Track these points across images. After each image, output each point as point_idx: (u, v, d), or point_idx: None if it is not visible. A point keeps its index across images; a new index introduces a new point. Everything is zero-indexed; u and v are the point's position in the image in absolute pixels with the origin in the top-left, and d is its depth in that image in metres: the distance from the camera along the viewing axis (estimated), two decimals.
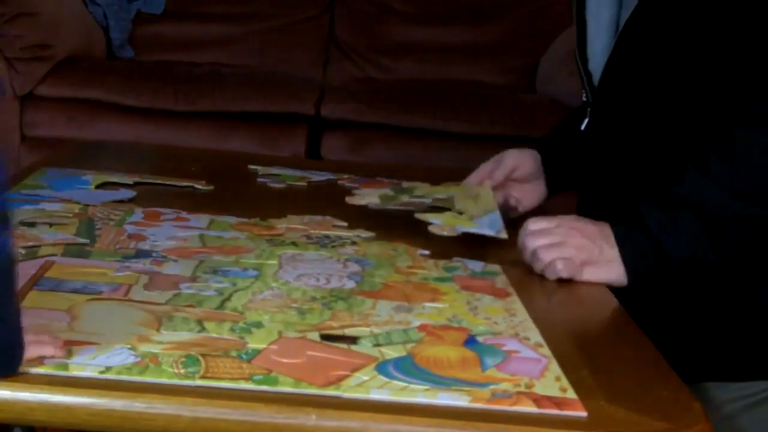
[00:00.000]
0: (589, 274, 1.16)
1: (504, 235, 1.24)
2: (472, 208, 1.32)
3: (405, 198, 1.42)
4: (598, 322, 1.09)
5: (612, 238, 1.17)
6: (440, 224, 1.27)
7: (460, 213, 1.31)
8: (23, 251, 1.11)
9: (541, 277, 1.17)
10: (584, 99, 1.40)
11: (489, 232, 1.25)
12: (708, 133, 1.18)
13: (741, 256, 1.21)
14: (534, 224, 1.20)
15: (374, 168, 1.91)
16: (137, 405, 0.78)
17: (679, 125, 1.22)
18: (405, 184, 1.52)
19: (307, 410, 0.78)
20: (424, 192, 1.44)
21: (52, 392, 0.78)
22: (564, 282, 1.17)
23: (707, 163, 1.16)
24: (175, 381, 0.81)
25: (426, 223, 1.28)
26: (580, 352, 0.93)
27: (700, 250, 1.16)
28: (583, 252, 1.16)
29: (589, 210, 1.33)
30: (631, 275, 1.16)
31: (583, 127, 1.38)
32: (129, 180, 1.48)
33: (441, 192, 1.42)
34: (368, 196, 1.46)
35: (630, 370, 0.94)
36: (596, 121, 1.35)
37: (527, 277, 1.17)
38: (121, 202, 1.36)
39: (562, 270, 1.15)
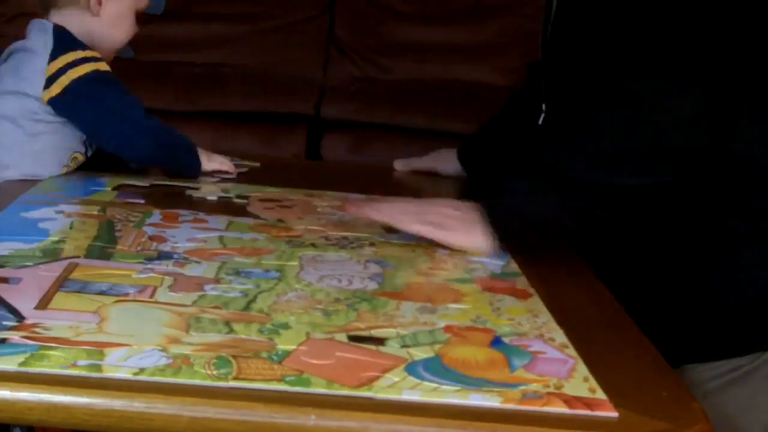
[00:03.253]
0: (454, 238, 1.20)
1: (515, 268, 1.22)
2: None
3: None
4: (597, 322, 1.09)
5: (473, 206, 1.22)
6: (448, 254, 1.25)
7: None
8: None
9: (552, 278, 1.18)
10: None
11: (498, 262, 1.23)
12: (573, 110, 1.23)
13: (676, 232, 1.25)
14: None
15: (374, 168, 1.92)
16: (136, 405, 0.78)
17: None
18: None
19: (307, 410, 0.79)
20: None
21: (52, 392, 0.79)
22: (572, 281, 1.18)
23: (567, 133, 1.21)
24: (208, 383, 0.81)
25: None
26: (579, 352, 0.94)
27: (551, 211, 1.20)
28: (442, 217, 1.21)
29: None
30: (497, 236, 1.20)
31: (540, 121, 1.41)
32: (145, 182, 1.48)
33: None
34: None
35: (630, 370, 0.94)
36: (551, 115, 1.38)
37: (546, 278, 1.17)
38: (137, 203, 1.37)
39: (421, 229, 1.20)
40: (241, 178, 1.58)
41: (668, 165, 1.17)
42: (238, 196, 1.45)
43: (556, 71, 1.35)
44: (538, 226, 1.21)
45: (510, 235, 1.21)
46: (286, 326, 0.94)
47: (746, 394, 1.24)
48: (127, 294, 1.00)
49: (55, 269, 1.05)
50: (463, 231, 1.20)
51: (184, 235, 1.22)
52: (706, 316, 1.27)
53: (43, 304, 0.95)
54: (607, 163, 1.18)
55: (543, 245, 1.23)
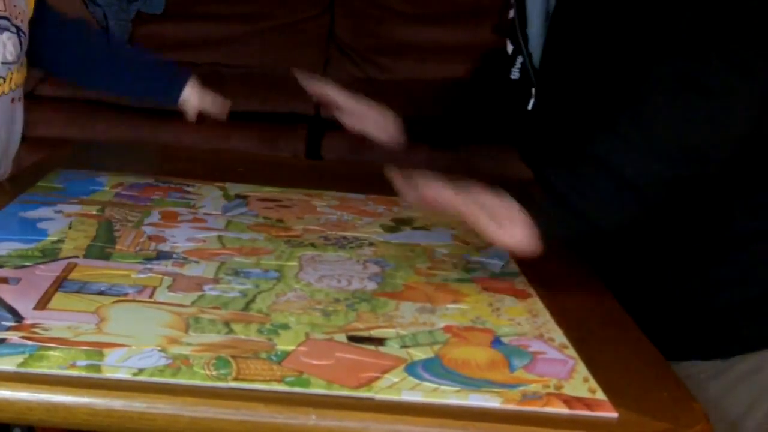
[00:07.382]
0: (499, 235, 1.08)
1: (514, 268, 1.21)
2: (474, 237, 1.30)
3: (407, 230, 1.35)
4: (597, 322, 1.09)
5: (516, 203, 1.10)
6: (447, 254, 1.24)
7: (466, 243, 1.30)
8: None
9: (552, 278, 1.17)
10: (513, 77, 1.41)
11: (497, 262, 1.23)
12: (618, 99, 1.16)
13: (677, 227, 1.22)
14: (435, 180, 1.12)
15: (374, 168, 1.91)
16: (137, 405, 0.79)
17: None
18: (403, 213, 1.43)
19: (307, 410, 0.79)
20: (423, 223, 1.37)
21: (52, 392, 0.79)
22: (571, 282, 1.17)
23: (617, 124, 1.13)
24: (208, 383, 0.81)
25: None
26: (580, 352, 0.94)
27: (616, 210, 1.11)
28: (478, 206, 1.09)
29: None
30: (543, 238, 1.09)
31: (529, 107, 1.39)
32: (144, 181, 1.48)
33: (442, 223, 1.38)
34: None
35: (630, 370, 0.94)
36: (541, 101, 1.37)
37: (545, 278, 1.17)
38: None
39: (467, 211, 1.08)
40: (241, 177, 1.57)
41: (727, 150, 1.12)
42: (238, 196, 1.44)
43: (560, 57, 1.32)
44: (583, 226, 1.11)
45: (555, 234, 1.11)
46: (285, 326, 0.94)
47: (747, 393, 1.24)
48: (126, 294, 1.00)
49: (54, 269, 1.05)
50: (503, 223, 1.08)
51: (183, 235, 1.22)
52: (707, 314, 1.26)
53: (42, 304, 0.95)
54: (670, 153, 1.11)
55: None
